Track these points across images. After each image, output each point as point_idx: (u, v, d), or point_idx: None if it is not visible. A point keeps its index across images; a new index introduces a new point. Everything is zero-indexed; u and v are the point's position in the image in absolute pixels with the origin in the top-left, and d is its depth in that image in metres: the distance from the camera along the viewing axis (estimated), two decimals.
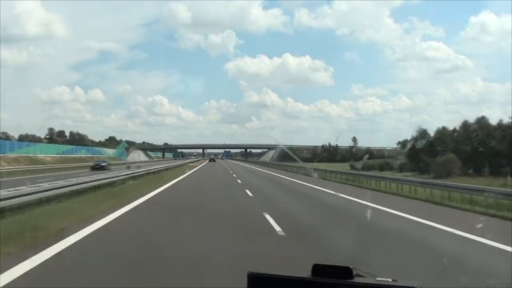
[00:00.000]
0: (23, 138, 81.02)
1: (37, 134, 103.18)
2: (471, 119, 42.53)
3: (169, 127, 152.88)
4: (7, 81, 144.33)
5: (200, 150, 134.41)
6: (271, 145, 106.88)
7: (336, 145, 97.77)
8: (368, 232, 9.26)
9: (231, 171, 44.60)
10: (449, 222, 10.53)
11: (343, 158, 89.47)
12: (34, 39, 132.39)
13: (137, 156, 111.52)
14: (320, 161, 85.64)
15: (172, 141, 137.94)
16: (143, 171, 32.36)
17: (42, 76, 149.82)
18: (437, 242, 8.81)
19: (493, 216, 12.37)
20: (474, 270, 6.40)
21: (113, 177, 23.65)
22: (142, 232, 9.74)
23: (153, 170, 35.05)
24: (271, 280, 1.33)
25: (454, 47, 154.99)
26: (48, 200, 13.27)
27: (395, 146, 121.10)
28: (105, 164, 48.22)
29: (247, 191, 20.78)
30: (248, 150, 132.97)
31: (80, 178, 22.03)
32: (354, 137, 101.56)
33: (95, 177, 21.58)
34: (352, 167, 57.72)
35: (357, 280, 1.28)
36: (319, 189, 22.92)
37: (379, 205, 14.49)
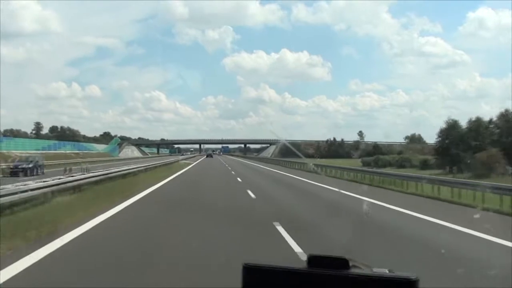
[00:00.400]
0: (8, 133, 75.98)
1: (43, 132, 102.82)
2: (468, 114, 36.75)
3: (167, 123, 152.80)
4: (4, 77, 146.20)
5: (197, 146, 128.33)
6: (272, 140, 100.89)
7: (342, 139, 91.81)
8: None
9: (229, 168, 38.64)
10: None
11: (349, 154, 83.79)
12: (30, 35, 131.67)
13: (131, 152, 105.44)
14: (322, 156, 79.97)
15: (170, 137, 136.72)
16: (109, 173, 22.84)
17: (38, 72, 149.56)
18: None
19: None
20: None
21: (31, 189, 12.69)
22: None
23: (127, 172, 26.19)
24: (266, 272, 1.32)
25: (452, 43, 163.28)
26: None
27: (403, 140, 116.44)
28: (30, 166, 31.85)
29: (250, 192, 17.63)
30: (246, 146, 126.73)
31: None
32: (360, 131, 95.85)
33: None
34: (365, 163, 52.07)
35: (353, 271, 1.27)
36: (344, 193, 17.48)
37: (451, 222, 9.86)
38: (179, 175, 28.56)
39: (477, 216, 11.41)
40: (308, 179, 25.23)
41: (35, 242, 7.68)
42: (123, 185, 20.48)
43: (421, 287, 1.20)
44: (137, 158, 79.06)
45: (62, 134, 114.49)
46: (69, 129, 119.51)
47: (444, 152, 35.73)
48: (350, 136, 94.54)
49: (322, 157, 79.14)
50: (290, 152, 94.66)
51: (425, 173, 30.51)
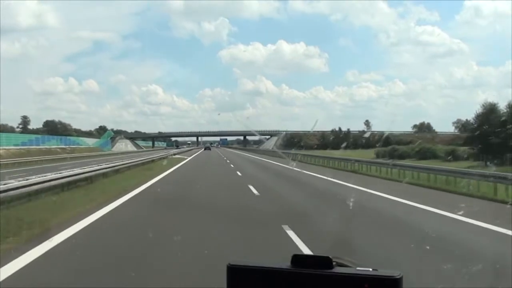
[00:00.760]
0: None
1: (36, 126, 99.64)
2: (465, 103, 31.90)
3: (164, 116, 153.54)
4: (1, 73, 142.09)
5: (195, 139, 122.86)
6: (274, 131, 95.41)
7: (348, 129, 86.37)
8: None
9: (233, 166, 33.27)
10: None
11: (355, 144, 78.49)
12: (26, 30, 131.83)
13: (124, 146, 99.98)
14: (325, 147, 74.74)
15: (167, 130, 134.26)
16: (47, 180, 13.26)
17: (35, 67, 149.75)
18: None
19: None
20: None
21: None
22: None
23: (80, 177, 16.24)
24: (251, 271, 1.33)
25: (449, 32, 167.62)
26: None
27: (411, 130, 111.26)
28: None
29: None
30: (246, 137, 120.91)
31: None
32: (367, 121, 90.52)
33: None
34: (379, 155, 46.83)
35: (336, 270, 1.28)
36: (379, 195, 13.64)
37: None
38: (154, 183, 18.05)
39: None
40: (333, 177, 19.94)
41: None
42: (96, 190, 14.66)
43: (405, 284, 1.18)
44: (130, 152, 73.66)
45: (54, 128, 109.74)
46: (60, 123, 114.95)
47: (480, 141, 30.23)
48: (353, 126, 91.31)
49: (326, 148, 74.03)
50: (293, 144, 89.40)
51: (461, 166, 25.52)
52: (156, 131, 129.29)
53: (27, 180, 12.09)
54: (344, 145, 75.69)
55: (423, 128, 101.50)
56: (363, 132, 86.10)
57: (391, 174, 21.27)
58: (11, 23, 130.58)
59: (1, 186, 10.22)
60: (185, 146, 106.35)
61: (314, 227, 8.86)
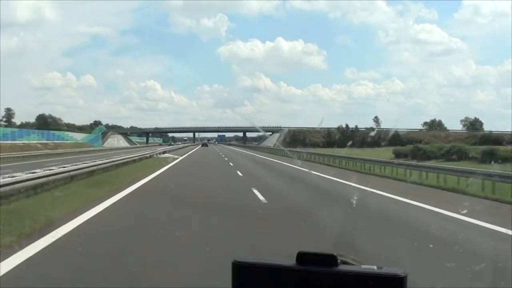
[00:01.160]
0: None
1: (31, 121, 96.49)
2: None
3: (162, 112, 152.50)
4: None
5: (191, 135, 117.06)
6: (275, 127, 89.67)
7: (356, 126, 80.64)
8: None
9: (240, 173, 27.47)
10: None
11: (363, 142, 72.92)
12: (24, 25, 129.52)
13: (116, 141, 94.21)
14: (330, 145, 69.26)
15: (165, 126, 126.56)
16: None
17: (33, 62, 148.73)
18: None
19: None
20: None
21: None
22: None
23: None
24: (256, 268, 1.33)
25: (448, 30, 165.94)
26: None
27: (421, 127, 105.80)
28: None
29: None
30: (245, 134, 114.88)
31: None
32: (376, 117, 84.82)
33: None
34: (399, 155, 41.12)
35: (341, 267, 1.28)
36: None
37: None
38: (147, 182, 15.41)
39: None
40: (365, 185, 14.36)
41: None
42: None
43: (410, 282, 1.19)
44: (120, 148, 67.85)
45: (45, 122, 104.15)
46: (50, 117, 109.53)
47: None
48: (351, 124, 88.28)
49: (332, 146, 68.47)
50: (297, 141, 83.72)
51: None
52: (153, 127, 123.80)
53: None
54: (350, 143, 69.94)
55: (434, 126, 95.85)
56: (372, 129, 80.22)
57: (438, 181, 15.64)
58: (9, 17, 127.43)
59: None
60: (179, 143, 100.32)
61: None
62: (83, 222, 7.99)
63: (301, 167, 25.16)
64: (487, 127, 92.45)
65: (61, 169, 13.71)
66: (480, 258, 5.47)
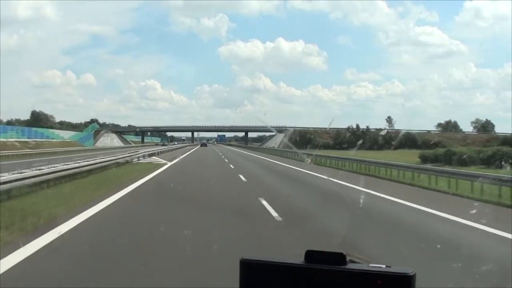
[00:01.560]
0: None
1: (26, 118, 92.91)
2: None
3: (162, 112, 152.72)
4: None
5: (190, 134, 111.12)
6: (280, 127, 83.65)
7: (367, 127, 74.71)
8: None
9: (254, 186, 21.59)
10: None
11: (375, 143, 67.15)
12: (25, 22, 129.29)
13: (110, 140, 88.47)
14: (337, 146, 63.46)
15: (164, 125, 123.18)
16: None
17: (33, 60, 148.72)
18: None
19: None
20: None
21: None
22: None
23: None
24: (264, 266, 1.31)
25: (448, 32, 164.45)
26: None
27: (435, 128, 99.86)
28: None
29: None
30: (247, 134, 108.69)
31: None
32: (389, 117, 78.94)
33: None
34: (426, 159, 35.33)
35: (350, 266, 1.27)
36: None
37: None
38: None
39: None
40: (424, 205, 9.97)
41: None
42: None
43: (418, 281, 1.20)
44: (109, 148, 62.05)
45: (36, 120, 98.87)
46: (42, 113, 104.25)
47: None
48: (384, 123, 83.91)
49: (342, 147, 62.67)
50: (303, 142, 77.90)
51: None
52: (152, 126, 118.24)
53: None
54: (360, 142, 63.93)
55: (449, 127, 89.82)
56: (384, 130, 74.27)
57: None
58: (9, 15, 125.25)
59: None
60: (175, 143, 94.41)
61: None
62: None
63: (318, 173, 20.31)
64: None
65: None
66: None
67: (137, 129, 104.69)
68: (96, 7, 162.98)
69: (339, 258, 1.26)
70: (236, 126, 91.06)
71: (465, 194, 12.73)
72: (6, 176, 10.44)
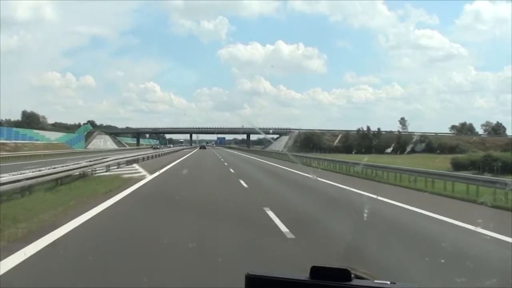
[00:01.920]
0: None
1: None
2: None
3: (161, 114, 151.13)
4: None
5: (190, 136, 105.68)
6: (284, 129, 78.39)
7: (378, 129, 69.45)
8: None
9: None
10: None
11: (385, 147, 61.97)
12: (25, 24, 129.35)
13: (103, 143, 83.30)
14: (348, 150, 58.38)
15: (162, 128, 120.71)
16: None
17: (32, 61, 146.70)
18: None
19: None
20: None
21: None
22: None
23: None
24: (270, 282, 1.31)
25: (448, 36, 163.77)
26: None
27: (449, 131, 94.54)
28: None
29: None
30: (249, 136, 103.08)
31: None
32: (402, 118, 73.66)
33: None
34: (461, 166, 30.05)
35: (355, 282, 1.26)
36: None
37: None
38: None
39: None
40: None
41: None
42: None
43: None
44: (98, 152, 56.83)
45: (27, 120, 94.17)
46: (33, 114, 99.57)
47: None
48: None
49: (351, 151, 57.64)
50: (309, 145, 72.71)
51: None
52: (151, 128, 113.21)
53: None
54: (374, 142, 58.65)
55: (464, 130, 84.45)
56: (399, 133, 68.96)
57: None
58: (9, 16, 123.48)
59: None
60: (171, 146, 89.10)
61: None
62: None
63: (331, 180, 17.23)
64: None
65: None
66: None
67: (134, 131, 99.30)
68: (96, 8, 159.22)
69: (344, 274, 1.25)
70: (236, 128, 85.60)
71: None
72: None
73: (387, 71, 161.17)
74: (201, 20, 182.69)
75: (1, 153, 40.67)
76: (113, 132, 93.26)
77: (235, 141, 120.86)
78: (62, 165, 15.01)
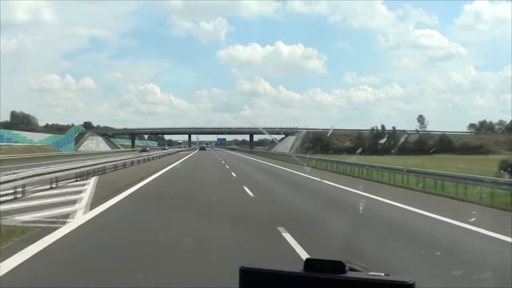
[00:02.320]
0: None
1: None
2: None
3: (161, 116, 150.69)
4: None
5: (193, 137, 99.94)
6: (290, 129, 72.51)
7: (393, 128, 63.50)
8: None
9: None
10: None
11: (403, 148, 56.28)
12: (23, 26, 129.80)
13: (95, 145, 77.59)
14: (363, 151, 52.87)
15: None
16: None
17: (32, 64, 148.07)
18: None
19: None
20: None
21: None
22: None
23: None
24: (264, 275, 1.31)
25: (448, 35, 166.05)
26: None
27: (467, 130, 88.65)
28: None
29: None
30: (252, 137, 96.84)
31: None
32: (420, 116, 67.88)
33: None
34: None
35: (349, 274, 1.26)
36: None
37: None
38: None
39: None
40: None
41: None
42: None
43: None
44: (82, 155, 51.12)
45: (15, 121, 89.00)
46: (22, 114, 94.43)
47: None
48: (415, 124, 79.07)
49: (365, 152, 51.95)
50: (318, 145, 66.83)
51: None
52: (146, 129, 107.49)
53: None
54: (383, 141, 52.59)
55: (483, 129, 78.48)
56: (416, 132, 63.10)
57: None
58: (8, 19, 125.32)
59: None
60: (166, 147, 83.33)
61: None
62: None
63: (359, 190, 14.25)
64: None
65: None
66: None
67: (128, 132, 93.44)
68: (95, 10, 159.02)
69: (339, 266, 1.25)
70: (240, 128, 79.34)
71: None
72: None
73: (387, 71, 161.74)
74: (200, 21, 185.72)
75: None
76: (106, 133, 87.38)
77: (236, 142, 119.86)
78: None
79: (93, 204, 10.65)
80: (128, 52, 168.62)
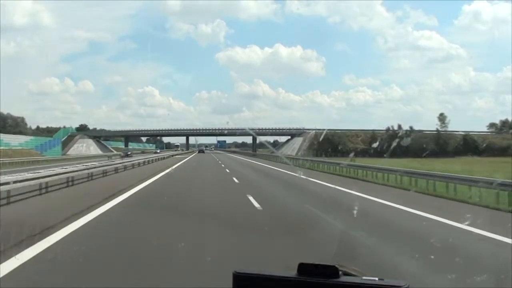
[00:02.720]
0: None
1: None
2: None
3: (160, 118, 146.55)
4: None
5: (186, 139, 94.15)
6: (297, 129, 66.77)
7: (411, 127, 57.83)
8: None
9: None
10: None
11: (421, 150, 50.70)
12: (21, 30, 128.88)
13: (85, 148, 71.77)
14: (380, 153, 47.00)
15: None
16: None
17: (31, 67, 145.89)
18: None
19: None
20: None
21: None
22: None
23: None
24: (257, 279, 1.28)
25: (447, 36, 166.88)
26: None
27: (487, 130, 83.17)
28: None
29: None
30: (256, 139, 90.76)
31: None
32: (441, 114, 62.31)
33: None
34: None
35: (343, 279, 1.24)
36: None
37: None
38: None
39: None
40: None
41: None
42: None
43: None
44: (74, 159, 45.43)
45: (3, 125, 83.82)
46: (10, 116, 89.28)
47: None
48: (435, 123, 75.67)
49: (382, 154, 46.20)
50: (328, 147, 61.24)
51: None
52: (142, 130, 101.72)
53: None
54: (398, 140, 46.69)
55: (505, 128, 72.89)
56: (437, 132, 57.39)
57: None
58: (6, 22, 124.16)
59: None
60: (158, 151, 77.71)
61: None
62: None
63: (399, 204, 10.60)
64: None
65: None
66: None
67: (121, 134, 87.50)
68: (93, 14, 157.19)
69: (332, 271, 1.24)
70: (241, 129, 73.19)
71: None
72: None
73: (386, 73, 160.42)
74: (198, 23, 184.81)
75: None
76: (97, 136, 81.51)
77: (236, 145, 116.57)
78: None
79: None
80: (127, 55, 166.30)
